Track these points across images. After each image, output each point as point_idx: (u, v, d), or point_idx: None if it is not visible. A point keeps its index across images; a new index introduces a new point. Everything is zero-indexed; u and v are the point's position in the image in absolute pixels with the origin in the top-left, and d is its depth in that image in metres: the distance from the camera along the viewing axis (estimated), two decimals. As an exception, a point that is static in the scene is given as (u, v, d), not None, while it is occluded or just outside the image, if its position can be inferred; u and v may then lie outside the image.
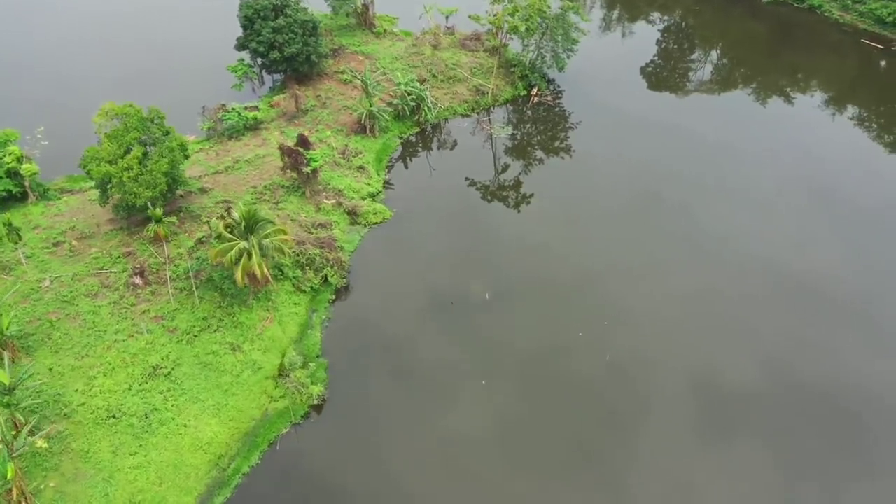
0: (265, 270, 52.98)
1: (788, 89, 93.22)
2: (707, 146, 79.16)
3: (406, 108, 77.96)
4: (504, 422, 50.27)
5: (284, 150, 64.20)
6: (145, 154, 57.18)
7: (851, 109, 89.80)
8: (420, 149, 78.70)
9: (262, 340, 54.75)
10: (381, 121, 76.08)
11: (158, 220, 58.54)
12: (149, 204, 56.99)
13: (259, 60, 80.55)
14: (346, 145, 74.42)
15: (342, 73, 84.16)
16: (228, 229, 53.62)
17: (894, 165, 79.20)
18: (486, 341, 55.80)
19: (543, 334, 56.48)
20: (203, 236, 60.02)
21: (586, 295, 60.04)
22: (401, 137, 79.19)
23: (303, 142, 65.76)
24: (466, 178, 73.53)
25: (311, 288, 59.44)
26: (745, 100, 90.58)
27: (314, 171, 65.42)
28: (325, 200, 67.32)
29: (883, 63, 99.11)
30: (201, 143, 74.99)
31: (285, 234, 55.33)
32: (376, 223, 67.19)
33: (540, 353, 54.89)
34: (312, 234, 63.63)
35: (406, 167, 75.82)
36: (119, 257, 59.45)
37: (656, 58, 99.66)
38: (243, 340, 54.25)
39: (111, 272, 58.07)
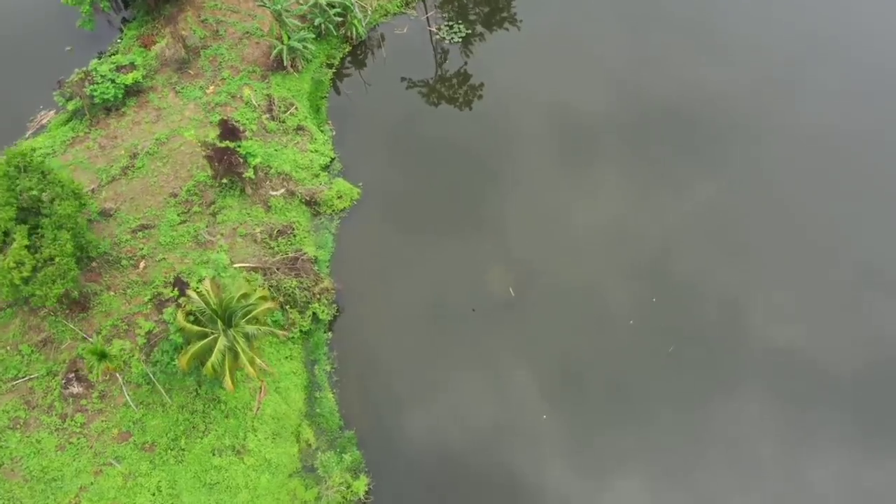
0: (260, 363, 40.43)
1: None
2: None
3: (330, 26, 59.65)
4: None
5: (213, 157, 47.37)
6: (34, 230, 39.64)
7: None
8: (360, 77, 61.80)
9: (264, 424, 43.79)
10: (305, 52, 58.09)
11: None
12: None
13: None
14: (270, 97, 56.91)
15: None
16: (191, 317, 39.68)
17: None
18: (537, 364, 47.06)
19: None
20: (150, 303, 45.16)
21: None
22: (330, 65, 61.55)
23: (229, 131, 48.65)
24: (430, 101, 58.99)
25: (301, 331, 47.39)
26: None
27: (256, 168, 49.41)
28: (271, 192, 52.12)
29: None
30: (70, 127, 55.20)
31: (269, 299, 41.86)
32: (344, 209, 53.42)
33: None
34: (273, 247, 49.70)
35: (352, 110, 59.59)
36: (33, 352, 44.31)
37: None
38: (244, 434, 43.13)
39: (32, 380, 43.38)
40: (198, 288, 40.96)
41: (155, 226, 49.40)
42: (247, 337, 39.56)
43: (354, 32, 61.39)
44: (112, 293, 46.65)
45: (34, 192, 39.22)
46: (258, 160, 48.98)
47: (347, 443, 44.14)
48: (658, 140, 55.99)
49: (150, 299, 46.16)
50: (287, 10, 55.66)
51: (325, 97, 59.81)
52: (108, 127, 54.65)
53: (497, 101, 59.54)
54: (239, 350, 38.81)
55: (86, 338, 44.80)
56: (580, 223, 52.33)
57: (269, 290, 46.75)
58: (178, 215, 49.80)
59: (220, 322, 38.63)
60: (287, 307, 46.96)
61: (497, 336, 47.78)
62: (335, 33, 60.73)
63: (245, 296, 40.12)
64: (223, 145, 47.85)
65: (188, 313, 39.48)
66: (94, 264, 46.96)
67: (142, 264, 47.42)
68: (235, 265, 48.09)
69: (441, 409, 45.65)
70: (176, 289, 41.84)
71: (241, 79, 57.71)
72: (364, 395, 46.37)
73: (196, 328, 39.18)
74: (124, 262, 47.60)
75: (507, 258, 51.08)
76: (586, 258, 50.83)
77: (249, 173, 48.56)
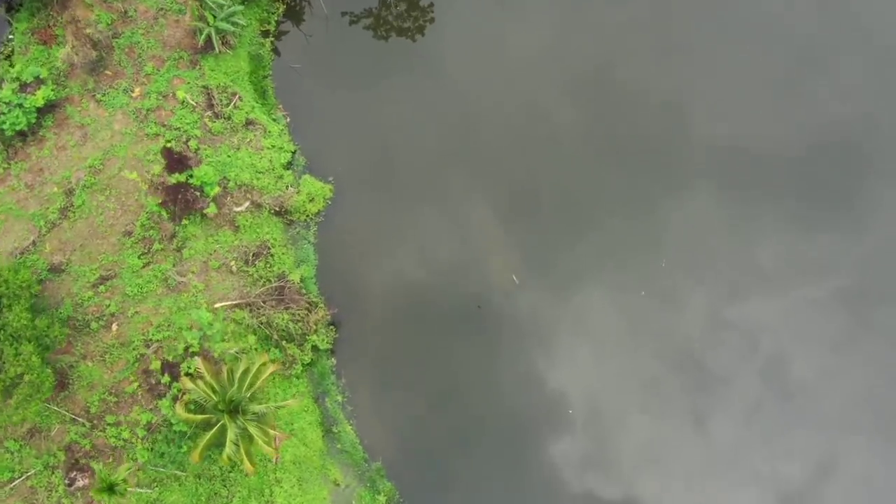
0: (276, 434, 37.78)
1: None
2: None
3: (256, -12, 51.05)
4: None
5: (167, 201, 41.43)
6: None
7: None
8: (304, 37, 53.97)
9: (287, 472, 42.19)
10: (235, 29, 49.94)
11: (51, 389, 38.91)
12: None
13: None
14: (208, 89, 49.51)
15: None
16: (192, 405, 36.32)
17: None
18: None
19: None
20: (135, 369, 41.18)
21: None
22: (266, 33, 53.30)
23: (175, 161, 42.33)
24: (379, 36, 52.40)
25: (303, 364, 44.42)
26: None
27: (216, 198, 43.69)
28: (235, 209, 46.77)
29: None
30: (-17, 163, 47.69)
31: (270, 362, 38.40)
32: (319, 213, 48.53)
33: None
34: (252, 274, 45.40)
35: (302, 85, 52.34)
36: (22, 447, 40.83)
37: None
38: (269, 490, 41.53)
39: (29, 478, 40.30)
40: (189, 368, 37.30)
41: (116, 275, 44.30)
42: (258, 416, 36.66)
43: (287, -10, 52.90)
44: (89, 362, 42.56)
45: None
46: (217, 189, 43.21)
47: (376, 475, 43.04)
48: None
49: (134, 362, 42.34)
50: (206, -4, 46.88)
51: (269, 76, 52.41)
52: (28, 158, 47.26)
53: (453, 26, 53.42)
54: (252, 433, 36.04)
55: (75, 419, 41.33)
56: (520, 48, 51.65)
57: (259, 326, 43.31)
58: (139, 258, 44.57)
59: (225, 411, 35.41)
60: (283, 342, 43.70)
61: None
62: (264, -5, 52.14)
63: (246, 372, 36.70)
64: (174, 181, 41.82)
65: (187, 403, 36.13)
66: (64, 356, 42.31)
67: (114, 326, 42.98)
68: (216, 305, 44.02)
69: (465, 422, 44.51)
70: (166, 374, 38.02)
71: (168, 70, 49.78)
72: (383, 420, 44.79)
73: (200, 417, 36.09)
74: (93, 324, 43.00)
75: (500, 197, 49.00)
76: (528, 76, 50.93)
77: (211, 209, 43.01)
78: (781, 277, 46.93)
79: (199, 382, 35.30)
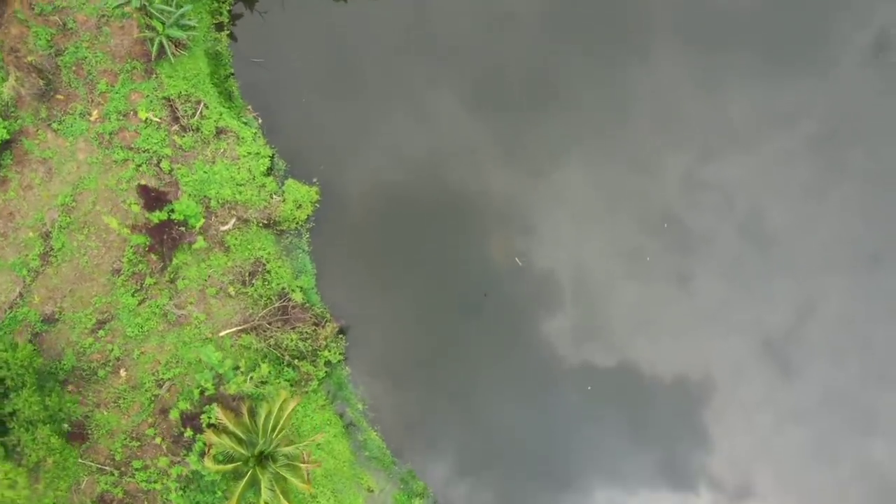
0: (308, 467, 37.94)
1: None
2: None
3: (200, -21, 46.78)
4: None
5: (154, 245, 39.55)
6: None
7: None
8: (265, 33, 50.11)
9: (321, 487, 43.01)
10: (188, 32, 46.18)
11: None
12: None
13: None
14: (170, 101, 46.39)
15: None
16: (220, 456, 36.22)
17: None
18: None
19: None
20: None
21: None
22: (219, 26, 49.32)
23: (153, 200, 40.17)
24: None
25: (318, 379, 44.19)
26: None
27: (202, 228, 41.79)
28: (222, 229, 45.02)
29: None
30: (-54, 213, 45.09)
31: (291, 396, 38.08)
32: (308, 218, 46.85)
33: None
34: (252, 295, 44.34)
35: (268, 79, 49.02)
36: (56, 502, 40.96)
37: None
38: (306, 511, 42.39)
39: (69, 533, 40.73)
40: (210, 418, 36.97)
41: (113, 316, 43.07)
42: (288, 457, 36.71)
43: (235, -25, 48.61)
44: (104, 410, 42.13)
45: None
46: (201, 221, 41.32)
47: (408, 476, 43.95)
48: None
49: (150, 404, 42.01)
50: (149, 5, 42.69)
51: (231, 74, 49.04)
52: (-11, 201, 44.78)
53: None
54: (286, 476, 36.22)
55: (102, 468, 41.34)
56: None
57: (269, 349, 42.82)
58: (133, 296, 43.19)
59: (253, 460, 35.38)
60: (296, 361, 43.31)
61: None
62: (207, -18, 47.83)
63: (269, 415, 36.43)
64: (156, 220, 39.87)
65: (215, 455, 36.02)
66: (69, 387, 41.64)
67: (122, 371, 42.24)
68: (221, 334, 43.31)
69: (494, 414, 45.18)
70: (188, 427, 37.68)
71: (123, 85, 46.38)
72: (406, 422, 45.25)
73: (230, 467, 36.12)
74: (100, 372, 42.23)
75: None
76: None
77: (199, 243, 41.28)
78: (752, 131, 47.72)
79: (225, 437, 35.05)
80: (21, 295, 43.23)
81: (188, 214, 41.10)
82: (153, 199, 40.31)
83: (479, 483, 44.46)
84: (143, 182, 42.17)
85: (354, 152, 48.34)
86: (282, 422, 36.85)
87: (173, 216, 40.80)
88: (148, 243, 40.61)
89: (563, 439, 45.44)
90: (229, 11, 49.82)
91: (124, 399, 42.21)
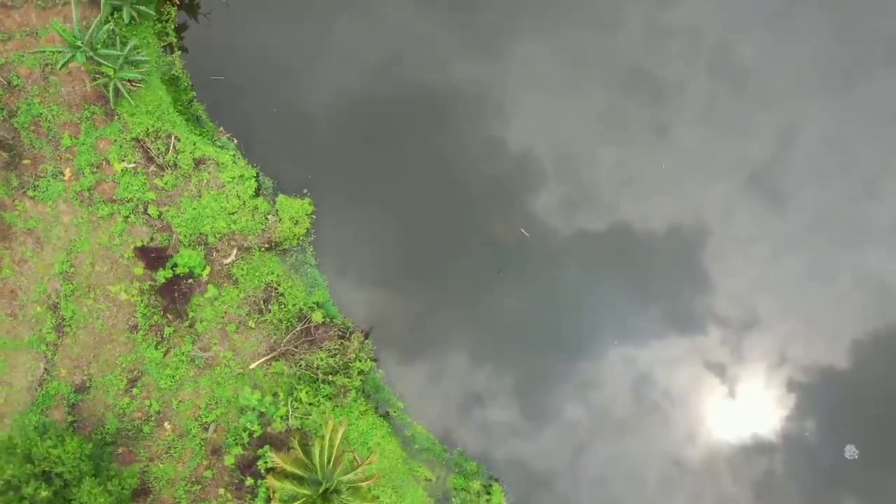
0: (370, 483, 39.36)
1: None
2: None
3: (138, 9, 43.78)
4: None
5: (167, 306, 39.14)
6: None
7: None
8: (209, 34, 47.50)
9: (380, 486, 44.63)
10: (139, 68, 43.71)
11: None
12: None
13: None
14: (140, 142, 44.63)
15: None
16: (285, 499, 37.41)
17: None
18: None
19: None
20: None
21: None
22: (169, 48, 46.63)
23: (153, 260, 39.47)
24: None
25: (354, 388, 45.02)
26: None
27: (209, 274, 41.24)
28: (225, 262, 44.50)
29: None
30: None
31: (337, 427, 38.94)
32: (308, 232, 46.18)
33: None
34: (271, 321, 44.48)
35: (233, 95, 46.86)
36: (136, 558, 42.85)
37: None
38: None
39: (156, 581, 42.82)
40: (267, 463, 38.00)
41: (143, 373, 43.37)
42: (351, 484, 37.97)
43: (169, -9, 45.49)
44: (158, 462, 43.19)
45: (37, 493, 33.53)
46: (207, 269, 40.78)
47: (460, 459, 45.69)
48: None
49: (201, 448, 43.05)
50: (93, 50, 40.15)
51: (194, 98, 46.93)
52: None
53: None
54: (353, 501, 37.64)
55: None
56: None
57: (303, 371, 43.47)
58: (157, 348, 43.28)
59: (320, 500, 36.66)
60: (330, 377, 43.98)
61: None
62: (150, 12, 44.69)
63: (322, 450, 37.36)
64: (162, 279, 39.37)
65: (280, 499, 37.28)
66: (120, 450, 42.54)
67: (166, 424, 42.97)
68: (251, 366, 43.82)
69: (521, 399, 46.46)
70: (248, 476, 38.73)
71: (87, 135, 44.46)
72: (448, 410, 46.53)
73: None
74: (145, 428, 43.00)
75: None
76: None
77: (211, 291, 40.90)
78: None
79: (286, 481, 36.17)
80: (47, 370, 43.31)
81: (192, 265, 40.57)
82: (153, 259, 39.67)
83: (498, 369, 46.51)
84: (137, 244, 41.34)
85: (339, 151, 47.26)
86: (335, 451, 37.90)
87: (177, 270, 40.24)
88: (162, 305, 40.22)
89: (572, 312, 46.99)
90: (175, 30, 47.08)
91: (175, 448, 43.18)
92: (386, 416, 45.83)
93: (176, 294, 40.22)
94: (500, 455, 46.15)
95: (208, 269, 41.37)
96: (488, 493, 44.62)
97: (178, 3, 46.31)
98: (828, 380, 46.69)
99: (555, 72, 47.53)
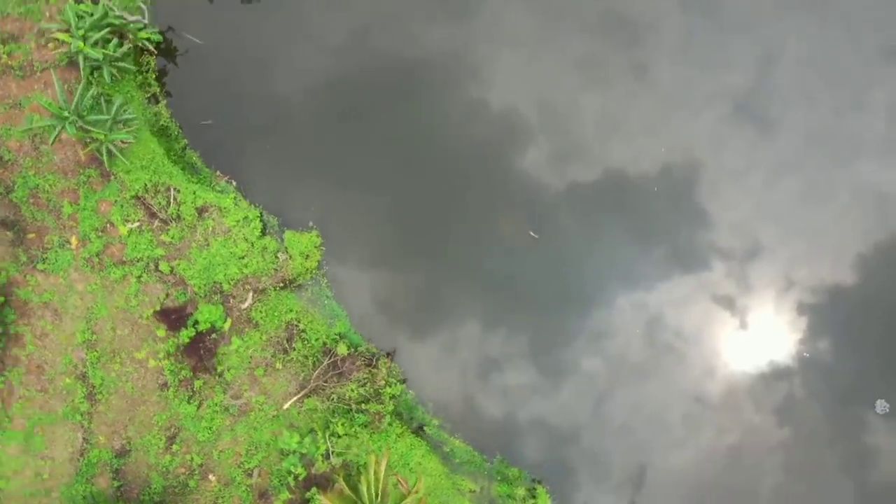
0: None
1: None
2: None
3: (117, 67, 43.16)
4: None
5: (197, 367, 39.31)
6: None
7: None
8: (191, 76, 46.90)
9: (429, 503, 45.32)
10: (129, 126, 43.22)
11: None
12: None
13: None
14: (140, 199, 44.39)
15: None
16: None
17: None
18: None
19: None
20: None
21: None
22: (153, 98, 46.07)
23: (173, 322, 39.48)
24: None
25: (389, 413, 45.28)
26: None
27: (232, 328, 41.29)
28: (242, 307, 44.50)
29: None
30: (-22, 385, 44.63)
31: (379, 459, 39.29)
32: (319, 264, 46.06)
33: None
34: (297, 359, 44.61)
35: (225, 135, 46.40)
36: None
37: None
38: (422, 528, 44.93)
39: None
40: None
41: (180, 428, 43.70)
42: (400, 510, 38.48)
43: (148, 44, 44.67)
44: (212, 511, 43.81)
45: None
46: (229, 322, 40.80)
47: (501, 467, 46.14)
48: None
49: (248, 494, 43.58)
50: (81, 118, 39.66)
51: (186, 146, 46.48)
52: (18, 362, 43.96)
53: None
54: (407, 532, 38.19)
55: (229, 561, 43.66)
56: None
57: (336, 404, 43.76)
58: (190, 402, 43.52)
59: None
60: (363, 405, 44.28)
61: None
62: (130, 66, 44.10)
63: (369, 486, 37.76)
64: (186, 339, 39.44)
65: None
66: (170, 507, 43.17)
67: (211, 476, 43.45)
68: (285, 407, 44.11)
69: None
70: (300, 521, 39.33)
71: (87, 199, 44.22)
72: (481, 418, 46.84)
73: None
74: (191, 483, 43.49)
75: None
76: None
77: (235, 343, 40.98)
78: None
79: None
80: (85, 439, 43.69)
81: (213, 320, 40.60)
82: (174, 320, 39.68)
83: (511, 332, 46.68)
84: (156, 306, 41.28)
85: (331, 159, 47.04)
86: (381, 483, 38.31)
87: (199, 327, 40.26)
88: (191, 365, 40.36)
89: (574, 267, 46.93)
90: (156, 78, 46.44)
91: (223, 498, 43.70)
92: (421, 432, 46.15)
93: (202, 351, 40.34)
94: (523, 416, 46.33)
95: (229, 321, 41.34)
96: (534, 497, 45.12)
97: (154, 51, 45.40)
98: (836, 297, 46.85)
99: (526, 24, 47.09)
